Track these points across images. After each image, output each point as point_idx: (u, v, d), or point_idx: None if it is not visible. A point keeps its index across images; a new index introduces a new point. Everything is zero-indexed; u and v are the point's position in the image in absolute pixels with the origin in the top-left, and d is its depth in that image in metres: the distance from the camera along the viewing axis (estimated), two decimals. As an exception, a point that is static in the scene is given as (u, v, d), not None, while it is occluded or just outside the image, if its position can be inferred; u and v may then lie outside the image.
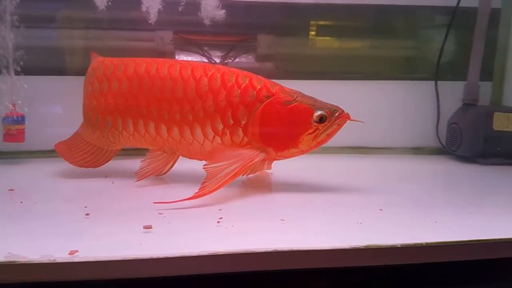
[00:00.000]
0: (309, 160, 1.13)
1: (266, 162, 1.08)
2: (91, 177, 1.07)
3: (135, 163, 1.03)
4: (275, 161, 1.06)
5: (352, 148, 1.48)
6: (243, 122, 0.94)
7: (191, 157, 1.02)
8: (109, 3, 1.18)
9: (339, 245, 0.66)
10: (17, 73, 1.17)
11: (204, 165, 0.91)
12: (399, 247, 0.67)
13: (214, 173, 0.89)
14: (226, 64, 1.40)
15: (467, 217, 0.83)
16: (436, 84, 1.48)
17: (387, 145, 1.50)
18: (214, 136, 0.96)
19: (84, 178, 1.06)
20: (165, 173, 1.06)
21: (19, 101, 1.19)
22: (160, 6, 1.21)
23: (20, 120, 1.18)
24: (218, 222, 0.75)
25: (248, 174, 1.06)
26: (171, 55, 1.38)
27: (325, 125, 0.92)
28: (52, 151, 1.10)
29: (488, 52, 1.44)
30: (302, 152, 0.96)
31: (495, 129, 1.35)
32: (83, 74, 1.09)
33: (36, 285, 0.61)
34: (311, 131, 0.92)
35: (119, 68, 1.02)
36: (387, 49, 1.52)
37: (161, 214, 0.79)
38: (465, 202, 0.95)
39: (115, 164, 1.12)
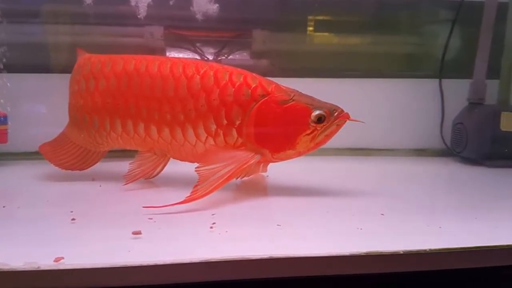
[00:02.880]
0: (306, 163, 1.13)
1: (262, 165, 1.08)
2: (77, 180, 1.06)
3: (123, 166, 1.03)
4: (270, 164, 1.06)
5: (352, 149, 1.48)
6: (237, 122, 0.94)
7: (182, 159, 1.02)
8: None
9: (338, 251, 0.66)
10: (-1, 70, 1.18)
11: (196, 168, 0.91)
12: (401, 254, 0.67)
13: (207, 176, 0.89)
14: (220, 61, 1.40)
15: (473, 222, 0.83)
16: (440, 82, 1.49)
17: (388, 146, 1.50)
18: (206, 137, 0.96)
19: (70, 181, 1.06)
20: (155, 176, 1.06)
21: (1, 100, 1.19)
22: (150, 0, 1.21)
23: (3, 120, 1.18)
24: (211, 227, 0.75)
25: (243, 177, 1.06)
26: (162, 52, 1.38)
27: (324, 125, 0.92)
28: (37, 152, 1.10)
29: (495, 49, 1.45)
30: (299, 154, 0.96)
31: (503, 129, 1.36)
32: (69, 72, 1.09)
33: (20, 294, 0.61)
34: (308, 131, 0.92)
35: (106, 65, 1.02)
36: (388, 45, 1.53)
37: (151, 219, 0.79)
38: (471, 207, 0.95)
39: (102, 166, 1.12)
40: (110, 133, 1.03)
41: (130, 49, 1.21)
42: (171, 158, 1.04)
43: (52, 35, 1.35)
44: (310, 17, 1.47)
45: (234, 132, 0.95)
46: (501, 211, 0.94)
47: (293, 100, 0.93)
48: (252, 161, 0.93)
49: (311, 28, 1.47)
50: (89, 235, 0.73)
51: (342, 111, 0.93)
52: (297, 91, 0.96)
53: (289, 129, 0.93)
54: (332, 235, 0.74)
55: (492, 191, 1.12)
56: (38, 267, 0.59)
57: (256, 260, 0.64)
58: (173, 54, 1.40)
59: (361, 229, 0.76)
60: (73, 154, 1.08)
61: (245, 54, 1.43)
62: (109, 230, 0.75)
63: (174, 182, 1.05)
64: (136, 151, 1.05)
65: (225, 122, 0.94)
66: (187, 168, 0.96)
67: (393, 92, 1.48)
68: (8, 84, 1.18)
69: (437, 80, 1.49)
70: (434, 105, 1.50)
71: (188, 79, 0.95)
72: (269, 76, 0.99)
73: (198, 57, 1.40)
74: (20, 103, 1.25)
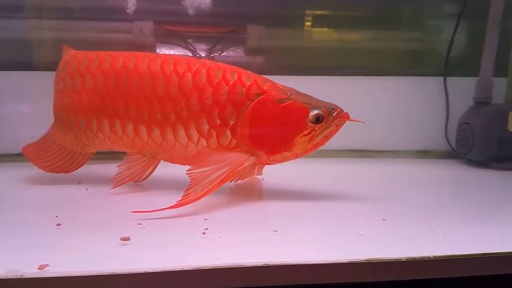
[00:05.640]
0: (304, 165, 1.14)
1: (257, 167, 1.08)
2: (62, 183, 1.06)
3: (111, 168, 1.03)
4: (266, 166, 1.06)
5: (352, 151, 1.49)
6: (231, 123, 0.94)
7: (173, 161, 1.02)
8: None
9: (337, 259, 0.66)
10: (-21, 68, 1.17)
11: (187, 170, 0.91)
12: (404, 261, 0.67)
13: (199, 179, 0.89)
14: (213, 58, 1.40)
15: (479, 227, 0.83)
16: (445, 81, 1.49)
17: (390, 148, 1.50)
18: (199, 138, 0.96)
19: (55, 184, 1.06)
20: (144, 179, 1.06)
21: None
22: (140, -7, 1.21)
23: (-16, 120, 1.18)
24: (204, 233, 0.76)
25: (237, 180, 1.06)
26: (152, 49, 1.38)
27: (322, 125, 0.92)
28: (20, 154, 1.10)
29: (503, 45, 1.45)
30: (297, 156, 0.96)
31: (511, 130, 1.36)
32: (54, 69, 1.08)
33: (2, 303, 0.61)
34: (306, 132, 0.92)
35: (93, 62, 1.02)
36: (390, 41, 1.53)
37: (140, 224, 0.79)
38: (478, 211, 0.96)
39: (89, 169, 1.12)
40: (97, 134, 1.03)
41: (118, 46, 1.21)
42: (161, 160, 1.04)
43: (36, 30, 1.35)
44: (307, 12, 1.47)
45: (228, 133, 0.95)
46: (509, 216, 0.94)
47: (290, 99, 0.93)
48: (247, 163, 0.93)
49: (308, 23, 1.48)
50: (75, 241, 0.73)
51: (342, 110, 0.94)
52: (294, 89, 0.96)
53: (285, 130, 0.93)
54: (331, 242, 0.74)
55: (500, 195, 1.13)
56: (22, 275, 0.59)
57: (251, 268, 0.64)
58: (163, 50, 1.40)
59: (361, 235, 0.77)
60: (58, 156, 1.08)
61: (239, 50, 1.44)
62: (96, 236, 0.75)
63: (165, 185, 1.05)
64: (124, 153, 1.05)
65: (218, 122, 0.94)
66: (178, 171, 0.96)
67: (395, 90, 1.48)
68: (-11, 82, 1.19)
69: (442, 78, 1.49)
70: (439, 104, 1.50)
71: (180, 77, 0.95)
72: (264, 74, 0.99)
73: (190, 54, 1.40)
74: (2, 102, 1.25)
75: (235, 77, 0.95)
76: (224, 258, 0.65)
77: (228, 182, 0.95)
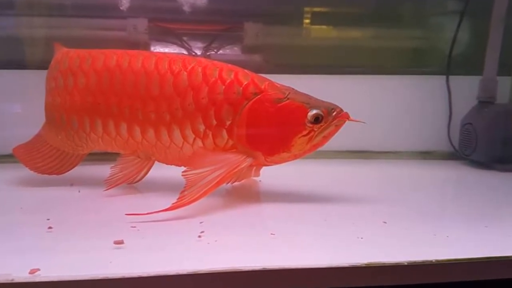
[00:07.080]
0: (302, 166, 1.14)
1: (254, 168, 1.08)
2: (54, 185, 1.06)
3: (104, 170, 1.03)
4: (264, 167, 1.06)
5: (352, 152, 1.49)
6: (228, 123, 0.94)
7: (168, 162, 1.02)
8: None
9: (337, 263, 0.66)
10: (-31, 67, 1.17)
11: (183, 172, 0.90)
12: (405, 265, 0.67)
13: (195, 181, 0.88)
14: (208, 56, 1.40)
15: (483, 231, 0.83)
16: (447, 80, 1.49)
17: (391, 148, 1.50)
18: (194, 139, 0.96)
19: (46, 186, 1.06)
20: (138, 180, 1.06)
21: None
22: (134, -10, 1.21)
23: (-27, 120, 1.18)
24: (199, 236, 0.76)
25: (233, 182, 1.06)
26: (146, 47, 1.38)
27: (321, 126, 0.92)
28: (10, 155, 1.10)
29: (507, 43, 1.44)
30: (295, 157, 0.96)
31: (515, 130, 1.36)
32: (46, 68, 1.08)
33: (-9, 308, 0.61)
34: (305, 132, 0.92)
35: (86, 61, 1.02)
36: (391, 39, 1.53)
37: (134, 227, 0.79)
38: (481, 214, 0.95)
39: (81, 170, 1.12)
40: (90, 134, 1.03)
41: (111, 44, 1.20)
42: (156, 162, 1.04)
43: (27, 28, 1.34)
44: (306, 9, 1.47)
45: (224, 133, 0.95)
46: (513, 219, 0.95)
47: (288, 99, 0.93)
48: (244, 165, 0.93)
49: (307, 21, 1.48)
50: (67, 244, 0.73)
51: (341, 110, 0.93)
52: (293, 89, 0.96)
53: (283, 130, 0.93)
54: (330, 245, 0.74)
55: (504, 198, 1.13)
56: (12, 280, 0.59)
57: (248, 272, 0.64)
58: (158, 49, 1.40)
59: (361, 238, 0.77)
60: (50, 157, 1.08)
61: (236, 49, 1.44)
62: (88, 239, 0.75)
63: (160, 187, 1.05)
64: (118, 154, 1.05)
65: (214, 122, 0.94)
66: (174, 172, 0.96)
67: (397, 89, 1.48)
68: (-21, 81, 1.18)
69: (444, 77, 1.49)
70: (441, 104, 1.50)
71: (175, 75, 0.95)
72: (262, 73, 0.99)
73: (185, 52, 1.40)
74: (-8, 102, 1.25)
75: (232, 76, 0.94)
76: (221, 262, 0.65)
77: (224, 184, 0.95)
